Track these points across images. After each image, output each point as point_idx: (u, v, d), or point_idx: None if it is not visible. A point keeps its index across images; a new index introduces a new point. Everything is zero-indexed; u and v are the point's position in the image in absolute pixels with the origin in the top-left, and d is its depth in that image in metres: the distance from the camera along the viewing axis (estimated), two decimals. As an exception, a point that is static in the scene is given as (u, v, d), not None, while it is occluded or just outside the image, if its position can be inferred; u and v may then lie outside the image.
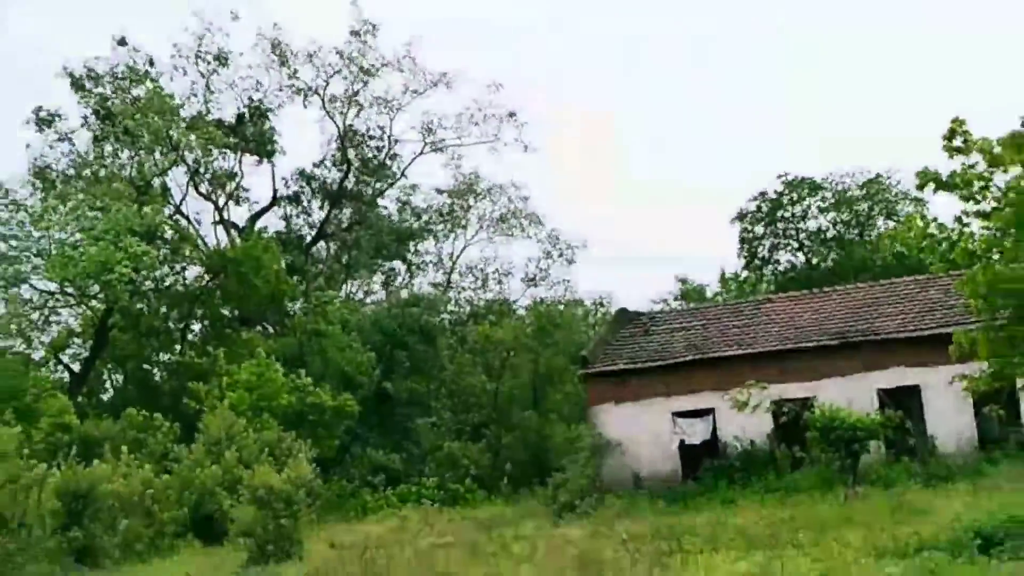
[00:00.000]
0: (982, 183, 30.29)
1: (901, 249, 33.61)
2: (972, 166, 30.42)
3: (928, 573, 18.51)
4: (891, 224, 54.49)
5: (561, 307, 57.29)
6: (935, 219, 32.95)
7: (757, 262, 60.03)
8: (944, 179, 30.97)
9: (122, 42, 54.21)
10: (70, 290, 49.18)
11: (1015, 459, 32.38)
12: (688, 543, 24.21)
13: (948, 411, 36.19)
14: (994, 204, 30.49)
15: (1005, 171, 29.77)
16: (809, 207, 59.24)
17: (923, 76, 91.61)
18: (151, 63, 54.96)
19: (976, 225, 31.48)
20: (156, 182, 53.79)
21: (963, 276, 31.81)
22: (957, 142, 30.37)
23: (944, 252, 32.44)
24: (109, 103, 53.56)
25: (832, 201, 58.96)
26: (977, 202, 30.94)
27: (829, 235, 58.66)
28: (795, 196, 59.08)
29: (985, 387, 32.66)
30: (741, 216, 59.65)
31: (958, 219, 31.36)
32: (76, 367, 51.69)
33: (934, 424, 36.71)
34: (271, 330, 51.14)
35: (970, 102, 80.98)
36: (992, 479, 29.40)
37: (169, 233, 52.84)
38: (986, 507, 22.15)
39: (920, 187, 32.90)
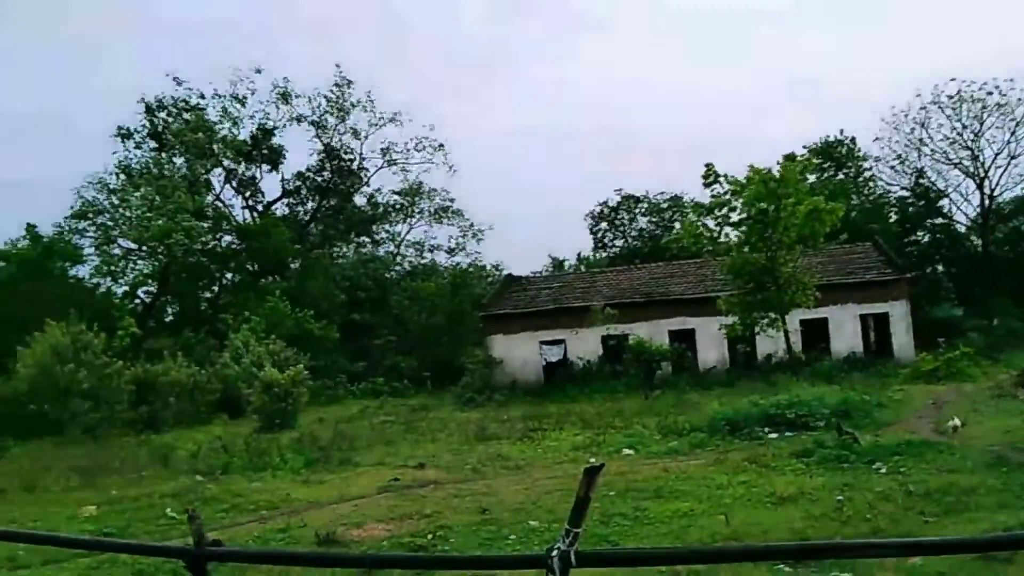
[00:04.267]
0: (728, 207, 31.40)
1: (683, 244, 34.48)
2: (724, 193, 31.45)
3: (695, 446, 19.21)
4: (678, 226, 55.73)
5: (471, 271, 57.63)
6: (705, 225, 33.83)
7: (601, 246, 60.97)
8: (705, 207, 32.24)
9: (177, 80, 53.40)
10: (144, 248, 48.54)
11: (752, 377, 33.28)
12: (545, 423, 24.86)
13: (711, 345, 37.35)
14: (739, 217, 31.62)
15: (745, 198, 30.85)
16: (635, 214, 60.29)
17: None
18: (202, 96, 54.15)
19: (729, 230, 32.70)
20: (203, 179, 53.16)
21: (723, 261, 32.98)
22: (711, 180, 31.53)
23: (709, 244, 33.51)
24: (168, 125, 52.87)
25: (647, 209, 60.00)
26: (727, 218, 32.02)
27: (646, 232, 59.69)
28: (627, 205, 60.12)
29: (736, 332, 33.98)
30: (592, 216, 60.59)
31: (718, 225, 32.50)
32: (147, 300, 51.14)
33: (703, 353, 37.78)
34: (278, 279, 50.68)
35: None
36: (737, 389, 30.03)
37: (211, 213, 52.29)
38: (733, 406, 22.80)
39: (694, 212, 34.05)
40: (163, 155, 52.26)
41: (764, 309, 31.51)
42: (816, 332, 36.67)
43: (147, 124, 53.03)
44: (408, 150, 59.22)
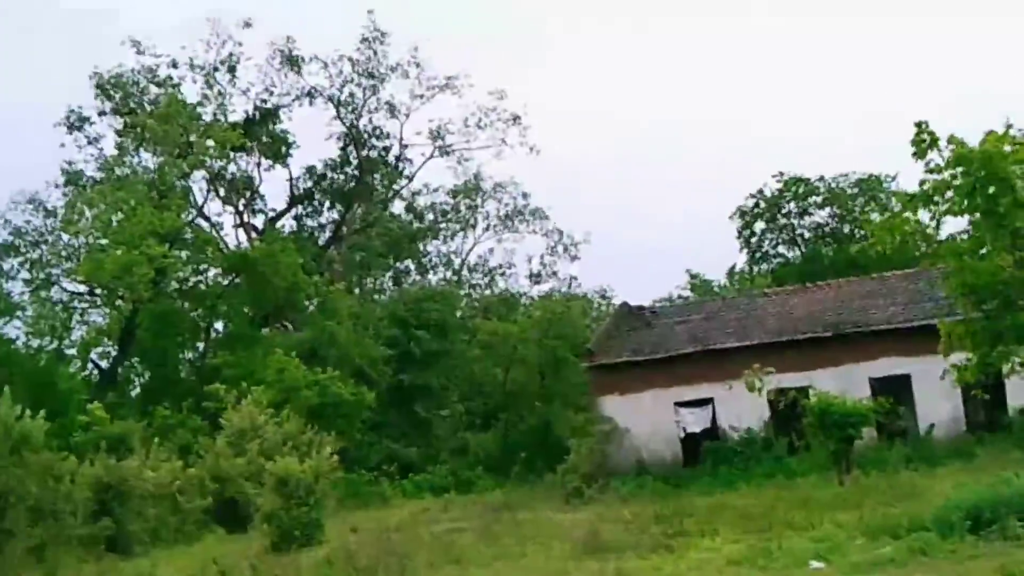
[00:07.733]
0: (946, 188, 30.50)
1: (885, 250, 33.43)
2: (938, 166, 30.58)
3: (919, 552, 18.60)
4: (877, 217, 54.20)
5: (566, 301, 57.06)
6: (917, 221, 32.95)
7: (758, 256, 60.17)
8: (918, 195, 31.40)
9: (138, 48, 54.17)
10: (99, 291, 49.30)
11: (1001, 441, 32.39)
12: (688, 524, 24.37)
13: (937, 397, 36.19)
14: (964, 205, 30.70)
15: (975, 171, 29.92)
16: (807, 205, 59.33)
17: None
18: (174, 65, 55.04)
19: (952, 223, 31.70)
20: (178, 186, 53.36)
21: (945, 271, 32.05)
22: (924, 146, 30.62)
23: (925, 245, 32.56)
24: (130, 110, 53.68)
25: (827, 197, 58.89)
26: (951, 209, 31.15)
27: (826, 230, 58.75)
28: (792, 194, 59.19)
29: (972, 378, 32.95)
30: (742, 213, 59.87)
31: (933, 216, 31.51)
32: (105, 365, 51.72)
33: (924, 410, 36.84)
34: (289, 327, 51.11)
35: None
36: (980, 461, 29.34)
37: (190, 236, 52.59)
38: (975, 488, 22.13)
39: (899, 199, 33.21)
40: (125, 152, 53.01)
41: (1015, 341, 30.70)
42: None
43: (103, 111, 54.25)
44: (470, 127, 58.80)
